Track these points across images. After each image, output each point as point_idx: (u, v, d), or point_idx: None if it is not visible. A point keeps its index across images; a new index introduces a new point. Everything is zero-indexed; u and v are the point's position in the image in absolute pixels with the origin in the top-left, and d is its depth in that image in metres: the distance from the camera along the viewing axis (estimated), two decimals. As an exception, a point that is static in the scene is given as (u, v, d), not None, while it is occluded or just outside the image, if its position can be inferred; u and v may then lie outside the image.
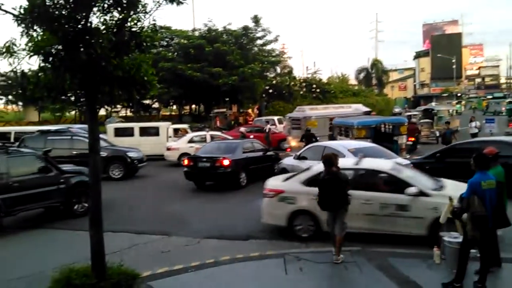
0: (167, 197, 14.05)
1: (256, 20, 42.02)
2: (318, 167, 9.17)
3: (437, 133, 27.20)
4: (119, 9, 5.48)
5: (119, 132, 23.73)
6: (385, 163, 9.45)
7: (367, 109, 32.21)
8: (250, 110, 43.93)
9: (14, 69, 5.40)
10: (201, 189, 15.38)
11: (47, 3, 5.12)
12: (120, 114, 52.98)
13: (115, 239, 8.76)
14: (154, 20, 5.73)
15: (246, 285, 6.72)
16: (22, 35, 5.26)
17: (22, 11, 5.10)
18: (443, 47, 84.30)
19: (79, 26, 5.31)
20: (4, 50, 5.22)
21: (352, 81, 78.43)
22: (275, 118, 33.75)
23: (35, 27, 5.25)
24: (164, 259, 7.86)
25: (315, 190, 7.76)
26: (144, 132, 23.81)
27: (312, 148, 14.62)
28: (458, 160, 10.92)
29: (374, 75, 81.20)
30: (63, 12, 5.21)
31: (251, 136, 23.96)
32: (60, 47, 5.41)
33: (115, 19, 5.55)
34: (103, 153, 16.97)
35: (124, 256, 7.64)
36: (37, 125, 33.32)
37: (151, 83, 5.90)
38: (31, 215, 11.24)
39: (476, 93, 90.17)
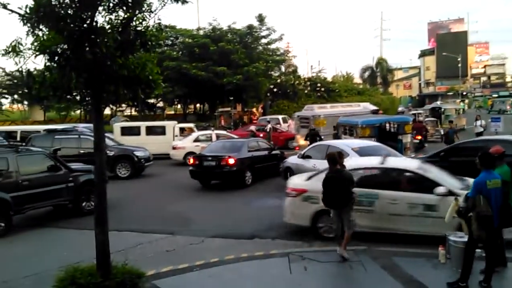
0: (172, 196, 14.09)
1: (260, 19, 41.96)
2: None
3: (442, 132, 27.14)
4: (124, 8, 5.49)
5: (125, 131, 23.85)
6: (411, 162, 9.27)
7: (375, 107, 32.22)
8: (254, 109, 43.92)
9: (20, 69, 5.43)
10: (206, 188, 15.41)
11: (53, 3, 5.13)
12: (125, 113, 53.09)
13: (120, 238, 8.79)
14: (159, 19, 5.73)
15: (250, 284, 6.73)
16: (28, 35, 5.28)
17: (28, 10, 5.12)
18: (449, 46, 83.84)
19: (85, 25, 5.32)
20: (10, 49, 5.25)
21: (357, 80, 78.28)
22: (280, 117, 33.72)
23: (41, 27, 5.27)
24: (169, 258, 7.88)
25: None
26: (150, 131, 23.90)
27: (316, 147, 14.63)
28: (463, 159, 10.85)
29: (379, 74, 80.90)
30: (69, 12, 5.23)
31: (261, 135, 23.99)
32: (65, 46, 5.42)
33: (120, 18, 5.55)
34: (110, 152, 17.11)
35: (129, 255, 7.66)
36: (43, 124, 33.49)
37: (156, 82, 5.90)
38: (36, 214, 11.29)
39: (481, 92, 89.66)
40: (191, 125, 27.20)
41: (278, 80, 44.16)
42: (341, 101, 41.61)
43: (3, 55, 5.29)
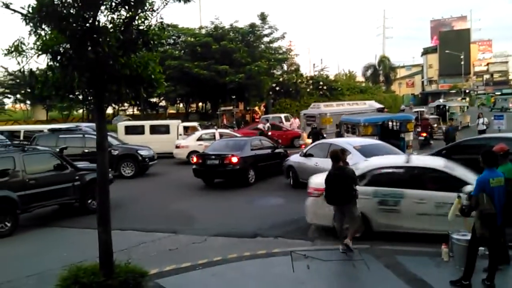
0: (176, 195, 14.12)
1: (263, 17, 41.84)
2: (365, 165, 9.06)
3: (444, 128, 27.14)
4: (126, 7, 5.48)
5: (129, 130, 23.90)
6: (436, 160, 9.11)
7: (380, 105, 32.27)
8: (257, 108, 43.82)
9: (22, 69, 5.43)
10: (209, 186, 15.43)
11: (55, 2, 5.13)
12: (127, 113, 53.11)
13: (123, 237, 8.82)
14: (161, 18, 5.73)
15: (253, 283, 6.72)
16: (30, 34, 5.28)
17: (30, 10, 5.12)
18: (451, 43, 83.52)
19: (87, 24, 5.32)
20: (13, 49, 5.25)
21: (359, 78, 78.02)
22: (282, 115, 33.69)
23: (43, 26, 5.27)
24: (172, 257, 7.90)
25: (364, 189, 7.89)
26: (154, 130, 23.95)
27: (318, 145, 14.63)
28: (465, 156, 10.79)
29: (382, 72, 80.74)
30: (71, 11, 5.22)
31: (269, 133, 23.94)
32: (68, 45, 5.42)
33: (123, 17, 5.54)
34: (115, 152, 17.16)
35: (132, 254, 7.71)
36: (45, 123, 33.56)
37: (158, 81, 5.90)
38: (40, 213, 11.32)
39: (484, 90, 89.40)
40: (195, 124, 27.19)
41: (280, 79, 44.03)
42: (343, 99, 41.52)
43: (5, 54, 5.29)
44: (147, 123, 25.02)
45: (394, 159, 9.46)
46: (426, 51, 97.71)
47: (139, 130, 23.79)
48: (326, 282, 6.76)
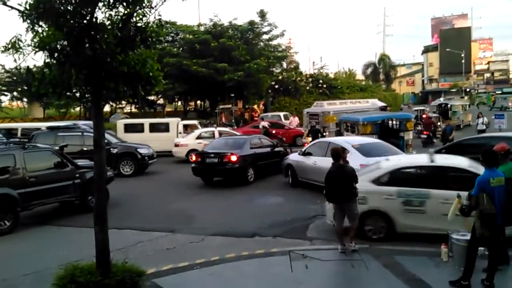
0: (174, 194, 14.07)
1: (262, 14, 41.77)
2: (388, 164, 8.92)
3: (442, 127, 27.18)
4: (124, 4, 5.43)
5: (128, 128, 23.83)
6: (461, 160, 8.92)
7: (384, 104, 32.32)
8: (255, 106, 43.76)
9: (19, 66, 5.39)
10: (208, 185, 15.38)
11: (53, -1, 5.08)
12: (125, 110, 53.05)
13: (120, 236, 8.78)
14: (159, 15, 5.69)
15: (251, 282, 6.69)
16: (27, 31, 5.24)
17: (27, 7, 5.07)
18: (452, 42, 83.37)
19: (85, 21, 5.27)
20: (10, 46, 5.20)
21: (359, 76, 77.94)
22: (281, 114, 33.63)
23: (40, 23, 5.22)
24: (169, 256, 7.85)
25: (388, 189, 7.84)
26: (154, 128, 23.87)
27: (317, 144, 14.59)
28: (465, 156, 10.78)
29: (382, 70, 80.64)
30: (69, 8, 5.18)
31: (273, 131, 23.87)
32: (65, 42, 5.38)
33: (121, 14, 5.50)
34: (114, 150, 17.11)
35: (129, 253, 7.67)
36: (42, 121, 33.48)
37: (157, 79, 5.85)
38: (37, 212, 11.26)
39: (485, 88, 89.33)
40: (195, 122, 27.11)
41: (280, 77, 43.94)
42: (343, 97, 41.44)
43: (2, 51, 5.25)
44: (146, 121, 24.95)
45: (418, 159, 9.31)
46: (427, 49, 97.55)
47: (139, 128, 23.71)
48: (325, 282, 6.72)
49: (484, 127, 23.89)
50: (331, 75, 55.71)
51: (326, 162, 10.73)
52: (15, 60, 5.28)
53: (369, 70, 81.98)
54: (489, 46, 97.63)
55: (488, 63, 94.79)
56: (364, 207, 8.23)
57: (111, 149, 17.15)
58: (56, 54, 5.39)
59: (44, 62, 5.45)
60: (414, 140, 21.71)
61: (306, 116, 28.81)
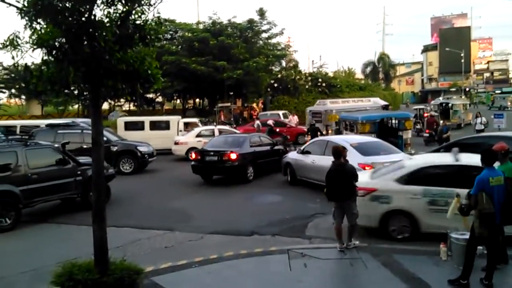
0: (174, 192, 14.05)
1: (261, 13, 41.67)
2: (411, 163, 8.82)
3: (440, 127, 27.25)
4: (123, 1, 5.41)
5: (129, 126, 23.79)
6: None
7: (385, 103, 32.40)
8: (254, 105, 43.74)
9: (17, 63, 5.36)
10: (208, 183, 15.38)
11: (51, -4, 5.06)
12: (124, 108, 52.98)
13: (118, 234, 8.75)
14: (158, 13, 5.67)
15: (249, 281, 6.68)
16: (25, 28, 5.22)
17: (26, 4, 5.06)
18: (452, 41, 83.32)
19: (83, 19, 5.25)
20: (8, 43, 5.18)
21: (359, 75, 77.96)
22: (280, 112, 33.61)
23: (38, 20, 5.20)
24: (168, 255, 7.84)
25: (413, 188, 7.77)
26: (154, 126, 23.85)
27: (315, 142, 14.60)
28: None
29: (381, 69, 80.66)
30: (67, 5, 5.15)
31: (277, 130, 23.87)
32: (63, 40, 5.36)
33: (119, 11, 5.47)
34: (114, 148, 17.10)
35: (128, 251, 7.66)
36: (41, 118, 33.41)
37: (155, 77, 5.83)
38: (37, 208, 11.24)
39: (484, 88, 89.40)
40: (196, 120, 27.07)
41: (279, 75, 43.95)
42: (342, 96, 41.48)
43: (0, 49, 5.22)
44: (147, 119, 24.90)
45: (443, 158, 9.17)
46: (426, 49, 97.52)
47: (139, 126, 23.67)
48: (323, 280, 6.71)
49: (483, 127, 23.92)
50: (331, 74, 55.79)
51: (324, 161, 10.74)
52: (13, 57, 5.27)
53: (368, 69, 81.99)
54: (489, 45, 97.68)
55: (488, 62, 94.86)
56: (388, 206, 8.16)
57: (111, 147, 17.12)
58: (54, 52, 5.37)
59: (42, 59, 5.43)
60: (413, 138, 21.72)
61: (309, 115, 28.86)
